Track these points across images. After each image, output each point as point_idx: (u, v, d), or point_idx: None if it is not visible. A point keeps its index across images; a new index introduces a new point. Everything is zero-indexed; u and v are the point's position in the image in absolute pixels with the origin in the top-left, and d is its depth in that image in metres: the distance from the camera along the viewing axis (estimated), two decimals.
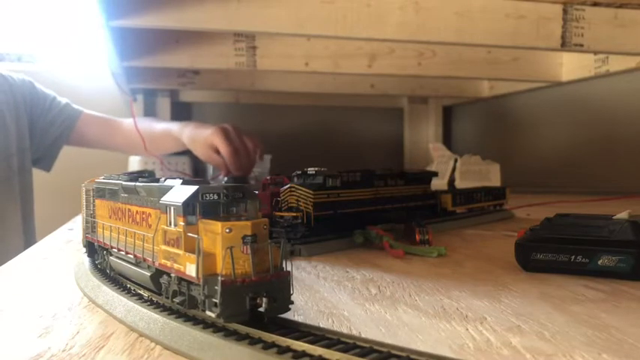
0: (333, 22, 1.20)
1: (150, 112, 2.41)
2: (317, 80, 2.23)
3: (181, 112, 2.55)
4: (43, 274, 0.74)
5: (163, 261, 0.48)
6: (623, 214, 0.70)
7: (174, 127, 1.67)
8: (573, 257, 0.69)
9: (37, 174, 1.73)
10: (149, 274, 0.51)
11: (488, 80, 2.37)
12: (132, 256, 0.54)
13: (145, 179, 0.56)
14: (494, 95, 2.45)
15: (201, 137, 1.53)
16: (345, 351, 0.38)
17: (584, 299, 0.59)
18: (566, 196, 1.74)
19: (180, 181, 0.50)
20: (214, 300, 0.42)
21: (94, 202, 0.68)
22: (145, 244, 0.52)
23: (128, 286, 0.58)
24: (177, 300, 0.47)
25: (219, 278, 0.41)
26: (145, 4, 1.17)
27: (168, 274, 0.48)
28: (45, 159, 1.72)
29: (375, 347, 0.39)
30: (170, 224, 0.47)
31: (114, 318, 0.52)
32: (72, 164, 1.83)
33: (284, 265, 0.44)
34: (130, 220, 0.57)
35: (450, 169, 1.84)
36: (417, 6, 1.21)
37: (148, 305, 0.51)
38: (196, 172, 2.13)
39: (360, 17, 1.21)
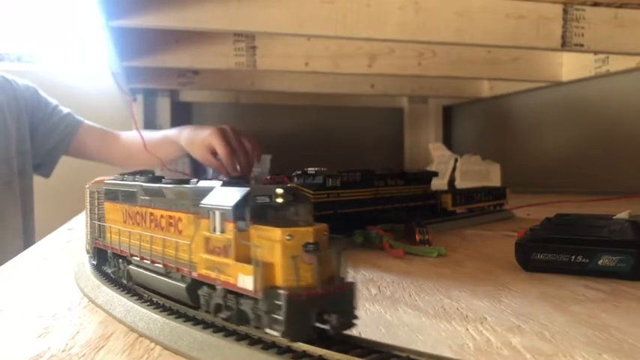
0: (333, 22, 1.20)
1: (150, 112, 2.41)
2: (317, 80, 2.23)
3: (181, 112, 2.55)
4: (43, 274, 0.74)
5: (205, 271, 0.44)
6: (623, 214, 0.70)
7: (171, 132, 1.68)
8: (573, 257, 0.68)
9: (37, 177, 1.73)
10: (184, 286, 0.47)
11: (489, 80, 2.37)
12: (160, 266, 0.50)
13: (169, 180, 0.52)
14: (494, 95, 2.45)
15: (199, 139, 1.52)
16: (345, 352, 0.38)
17: (585, 299, 0.59)
18: (566, 196, 1.74)
19: (220, 182, 0.45)
20: (277, 316, 0.37)
21: (100, 204, 0.63)
22: (178, 252, 0.47)
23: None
24: (223, 315, 0.43)
25: (284, 292, 0.37)
26: (144, 4, 1.17)
27: (211, 286, 0.44)
28: (44, 165, 1.73)
29: (376, 348, 0.39)
30: (214, 230, 0.43)
31: (114, 318, 0.52)
32: (71, 166, 1.83)
33: (343, 275, 0.40)
34: (153, 225, 0.52)
35: (450, 169, 1.84)
36: (417, 6, 1.21)
37: (148, 305, 0.51)
38: (196, 172, 2.13)
39: (360, 17, 1.21)
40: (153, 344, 0.46)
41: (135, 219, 0.55)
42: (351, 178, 0.96)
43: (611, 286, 0.64)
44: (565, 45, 1.24)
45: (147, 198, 0.53)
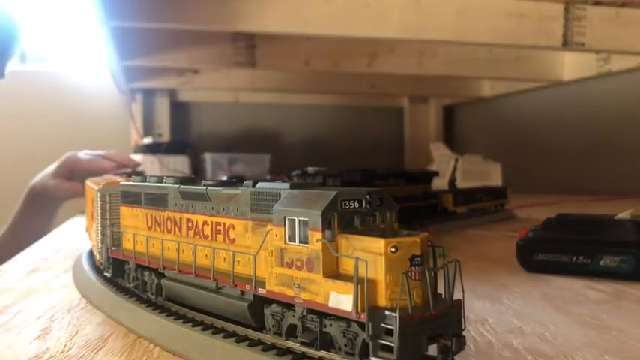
0: (333, 21, 1.20)
1: (148, 111, 2.40)
2: (317, 79, 2.23)
3: (180, 111, 2.54)
4: (42, 275, 0.73)
5: (277, 287, 0.38)
6: (625, 214, 0.70)
7: (20, 215, 1.45)
8: (575, 257, 0.68)
9: None
10: (245, 304, 0.42)
11: (490, 80, 2.36)
12: (208, 280, 0.44)
13: (212, 182, 0.47)
14: (495, 95, 2.44)
15: (50, 173, 1.43)
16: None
17: (586, 300, 0.58)
18: (567, 196, 1.74)
19: (287, 184, 0.40)
20: (386, 342, 0.32)
21: (114, 209, 0.58)
22: (236, 264, 0.42)
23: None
24: (302, 338, 0.38)
25: (395, 313, 0.31)
26: (144, 3, 1.17)
27: (284, 305, 0.39)
28: None
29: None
30: (292, 240, 0.37)
31: (112, 319, 0.52)
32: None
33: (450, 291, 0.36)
34: (192, 233, 0.47)
35: (450, 168, 1.84)
36: (418, 5, 1.20)
37: (147, 307, 0.51)
38: (195, 171, 2.13)
39: (361, 16, 1.20)
40: (152, 345, 0.45)
41: (165, 225, 0.50)
42: (351, 177, 0.95)
43: (613, 286, 0.64)
44: (566, 44, 1.24)
45: (183, 202, 0.48)
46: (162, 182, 0.51)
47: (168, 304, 0.48)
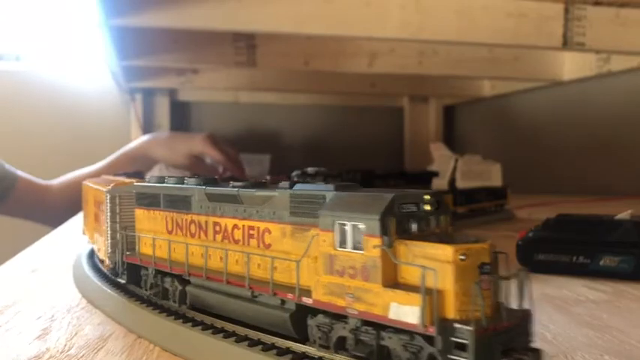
0: (334, 21, 1.20)
1: (148, 111, 2.40)
2: (317, 79, 2.23)
3: (180, 111, 2.54)
4: (42, 275, 0.73)
5: (326, 297, 0.36)
6: (624, 215, 0.70)
7: (128, 149, 1.60)
8: (575, 258, 0.68)
9: None
10: (287, 314, 0.39)
11: (490, 79, 2.36)
12: (242, 288, 0.42)
13: (243, 183, 0.44)
14: (495, 95, 2.44)
15: (184, 148, 1.54)
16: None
17: (586, 300, 0.58)
18: (567, 196, 1.74)
19: (331, 185, 0.38)
20: (457, 358, 0.30)
21: (126, 211, 0.56)
22: (274, 271, 0.39)
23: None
24: (355, 352, 0.35)
25: (469, 327, 0.29)
26: (144, 3, 1.17)
27: (333, 315, 0.36)
28: None
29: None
30: (344, 246, 0.35)
31: (112, 319, 0.52)
32: None
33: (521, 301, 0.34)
34: (220, 237, 0.44)
35: (450, 168, 1.84)
36: (418, 5, 1.20)
37: (147, 306, 0.51)
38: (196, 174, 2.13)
39: (361, 16, 1.20)
40: (152, 345, 0.45)
41: (188, 229, 0.47)
42: (351, 177, 0.95)
43: (613, 286, 0.63)
44: (566, 44, 1.24)
45: (210, 204, 0.45)
46: (183, 183, 0.49)
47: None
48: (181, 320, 0.47)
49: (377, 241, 0.33)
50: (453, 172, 1.84)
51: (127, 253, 0.54)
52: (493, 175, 1.83)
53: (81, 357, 0.43)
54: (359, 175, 0.98)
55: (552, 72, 1.90)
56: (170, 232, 0.49)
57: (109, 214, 0.56)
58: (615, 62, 1.69)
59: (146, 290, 0.53)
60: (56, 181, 1.62)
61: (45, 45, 2.47)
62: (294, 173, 0.94)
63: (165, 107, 2.45)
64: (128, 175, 0.75)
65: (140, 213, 0.53)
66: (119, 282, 0.58)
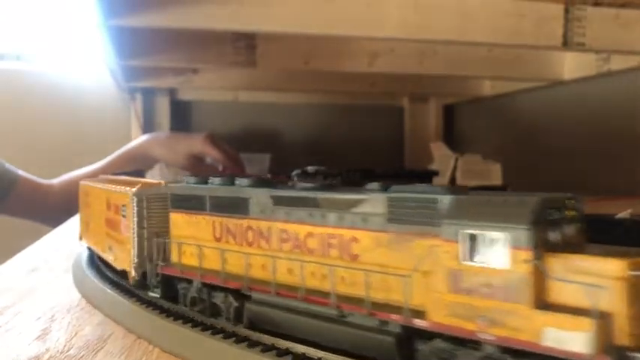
0: (334, 20, 1.20)
1: (148, 111, 2.40)
2: (317, 79, 2.23)
3: (180, 110, 2.54)
4: (42, 275, 0.73)
5: (450, 319, 0.31)
6: (625, 214, 0.70)
7: (129, 148, 1.60)
8: None
9: None
10: (392, 338, 0.34)
11: (490, 79, 2.36)
12: (329, 306, 0.36)
13: (320, 185, 0.40)
14: (495, 94, 2.44)
15: (184, 147, 1.53)
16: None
17: None
18: None
19: (440, 188, 0.33)
20: None
21: (155, 215, 0.51)
22: (369, 288, 0.34)
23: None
24: None
25: None
26: (143, 3, 1.17)
27: (458, 341, 0.31)
28: None
29: None
30: (473, 259, 0.30)
31: (112, 320, 0.52)
32: None
33: None
34: (290, 246, 0.39)
35: (450, 168, 1.84)
36: (417, 4, 1.20)
37: (146, 307, 0.51)
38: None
39: (361, 16, 1.20)
40: (151, 346, 0.45)
41: (244, 237, 0.42)
42: (351, 177, 0.95)
43: None
44: (566, 44, 1.24)
45: (275, 208, 0.40)
46: (233, 184, 0.44)
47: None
48: (181, 321, 0.46)
49: (525, 254, 0.28)
50: (453, 172, 1.84)
51: (162, 263, 0.49)
52: (493, 175, 1.83)
53: (80, 358, 0.43)
54: (359, 174, 0.98)
55: (552, 72, 1.91)
56: (218, 240, 0.44)
57: (135, 218, 0.51)
58: (615, 62, 1.69)
59: (186, 306, 0.47)
60: (56, 181, 1.61)
61: (45, 44, 2.47)
62: (295, 172, 0.94)
63: (165, 106, 2.44)
64: (128, 174, 0.75)
65: (178, 218, 0.48)
66: (119, 282, 0.57)
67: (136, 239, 0.51)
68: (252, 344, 0.41)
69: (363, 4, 1.20)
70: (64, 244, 0.97)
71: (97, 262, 0.68)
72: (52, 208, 1.52)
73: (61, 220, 1.24)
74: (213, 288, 0.45)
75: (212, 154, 1.51)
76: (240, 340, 0.42)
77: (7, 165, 1.52)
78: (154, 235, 0.50)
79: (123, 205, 0.53)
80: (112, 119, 2.36)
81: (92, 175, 1.22)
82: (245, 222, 0.42)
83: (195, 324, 0.45)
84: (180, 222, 0.48)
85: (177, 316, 0.47)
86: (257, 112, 2.68)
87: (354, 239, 0.36)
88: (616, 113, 1.96)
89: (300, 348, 0.39)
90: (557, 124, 2.26)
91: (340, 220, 0.37)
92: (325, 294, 0.36)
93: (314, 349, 0.38)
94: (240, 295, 0.43)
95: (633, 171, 1.89)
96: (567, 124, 2.20)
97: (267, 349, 0.40)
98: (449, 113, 2.94)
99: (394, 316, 0.33)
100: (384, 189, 0.36)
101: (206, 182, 0.47)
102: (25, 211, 1.54)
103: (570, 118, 2.17)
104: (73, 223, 1.25)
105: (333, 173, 0.91)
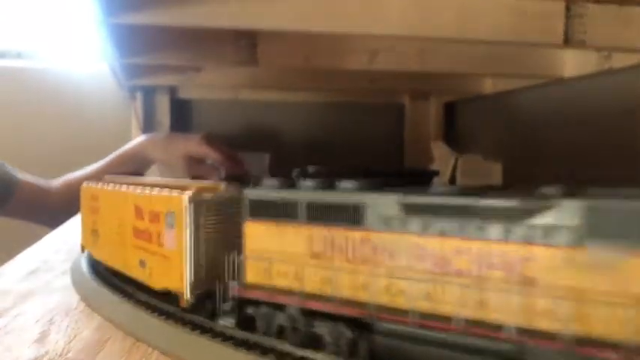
0: (335, 17, 1.19)
1: (149, 109, 2.40)
2: (317, 76, 2.22)
3: (181, 109, 2.54)
4: (41, 277, 0.73)
5: None
6: None
7: (126, 149, 1.60)
8: None
9: None
10: None
11: (491, 77, 2.36)
12: (504, 340, 0.29)
13: (471, 189, 0.32)
14: (496, 92, 2.44)
15: (181, 148, 1.53)
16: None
17: None
18: None
19: None
20: None
21: (219, 223, 0.44)
22: (562, 320, 0.28)
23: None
24: None
25: None
26: (144, 1, 1.16)
27: None
28: None
29: None
30: None
31: (111, 322, 0.52)
32: None
33: None
34: (429, 265, 0.32)
35: (450, 167, 1.84)
36: (418, 1, 1.20)
37: (146, 309, 0.50)
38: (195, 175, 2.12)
39: (361, 12, 1.20)
40: (150, 349, 0.45)
41: (357, 253, 0.35)
42: (351, 176, 0.95)
43: None
44: (567, 41, 1.23)
45: (408, 218, 0.33)
46: (340, 186, 0.38)
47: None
48: (180, 323, 0.46)
49: None
50: (453, 171, 1.84)
51: (237, 284, 0.41)
52: (494, 175, 1.83)
53: None
54: (358, 173, 0.97)
55: (553, 69, 1.90)
56: (318, 256, 0.37)
57: (190, 229, 0.43)
58: (616, 59, 1.68)
59: (270, 336, 0.40)
60: (56, 182, 1.61)
61: (46, 42, 2.47)
62: (295, 172, 0.94)
63: (165, 105, 2.44)
64: (128, 175, 0.74)
65: (257, 228, 0.40)
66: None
67: (191, 254, 0.43)
68: (251, 346, 0.41)
69: (364, 0, 1.20)
70: (64, 246, 0.97)
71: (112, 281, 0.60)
72: (53, 210, 1.51)
73: (60, 222, 1.24)
74: (313, 315, 0.37)
75: (209, 155, 1.50)
76: (238, 342, 0.42)
77: (8, 167, 1.51)
78: (218, 249, 0.43)
79: (169, 213, 0.46)
80: (112, 117, 2.36)
81: (90, 178, 1.21)
82: (359, 234, 0.35)
83: (194, 326, 0.45)
84: (260, 233, 0.40)
85: (176, 319, 0.47)
86: (257, 110, 2.68)
87: (529, 257, 0.29)
88: (617, 111, 1.96)
89: (299, 352, 0.39)
90: (558, 122, 2.26)
91: (507, 234, 0.30)
92: (489, 325, 0.29)
93: (314, 353, 0.38)
94: (354, 325, 0.35)
95: (635, 169, 1.89)
96: (568, 121, 2.20)
97: (265, 351, 0.40)
98: (450, 111, 2.94)
99: (614, 357, 0.26)
100: (570, 194, 0.29)
101: (294, 185, 0.40)
102: (25, 214, 1.54)
103: (571, 116, 2.16)
104: (73, 224, 1.25)
105: (332, 172, 0.91)
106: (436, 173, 1.20)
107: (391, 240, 0.34)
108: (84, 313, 0.55)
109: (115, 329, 0.50)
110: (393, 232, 0.33)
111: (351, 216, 0.35)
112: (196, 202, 0.44)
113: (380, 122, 2.86)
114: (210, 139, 1.52)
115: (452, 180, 1.79)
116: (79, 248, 0.75)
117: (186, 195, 0.44)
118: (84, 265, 0.68)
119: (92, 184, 0.66)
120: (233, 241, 0.43)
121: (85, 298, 0.59)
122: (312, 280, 0.37)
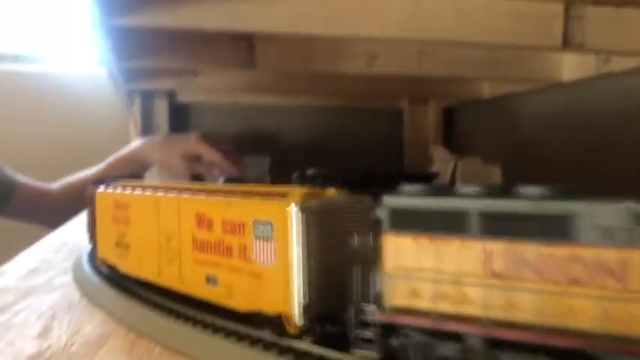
0: (333, 21, 1.20)
1: (147, 113, 2.40)
2: (316, 80, 2.23)
3: (179, 113, 2.54)
4: (42, 274, 0.73)
5: None
6: None
7: (124, 152, 1.60)
8: None
9: None
10: None
11: (489, 81, 2.37)
12: None
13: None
14: (495, 96, 2.44)
15: (178, 149, 1.53)
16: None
17: None
18: None
19: None
20: None
21: (322, 235, 0.38)
22: None
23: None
24: None
25: None
26: (141, 3, 1.17)
27: None
28: None
29: None
30: None
31: (113, 318, 0.52)
32: None
33: None
34: None
35: (450, 171, 1.84)
36: (417, 4, 1.20)
37: (148, 305, 0.50)
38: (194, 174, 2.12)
39: (360, 16, 1.20)
40: (153, 344, 0.45)
41: (562, 272, 0.28)
42: (349, 179, 0.95)
43: None
44: (566, 45, 1.24)
45: None
46: (523, 193, 0.32)
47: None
48: (182, 319, 0.46)
49: None
50: (452, 174, 1.84)
51: (378, 308, 0.34)
52: (493, 177, 1.83)
53: (82, 355, 0.43)
54: (358, 176, 0.98)
55: (552, 73, 1.91)
56: (498, 276, 0.30)
57: (297, 241, 0.37)
58: (615, 63, 1.69)
59: None
60: (56, 185, 1.61)
61: (43, 46, 2.47)
62: (294, 175, 0.94)
63: (164, 109, 2.44)
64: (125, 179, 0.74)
65: (399, 242, 0.34)
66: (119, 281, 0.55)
67: (302, 271, 0.37)
68: (254, 342, 0.41)
69: (362, 3, 1.20)
70: (65, 244, 0.97)
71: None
72: (52, 212, 1.51)
73: (60, 224, 1.24)
74: (497, 346, 0.31)
75: (207, 153, 1.50)
76: (241, 337, 0.42)
77: (8, 171, 1.51)
78: (330, 265, 0.38)
79: (261, 222, 0.40)
80: (110, 121, 2.36)
81: (89, 181, 1.20)
82: (565, 250, 0.29)
83: (196, 322, 0.45)
84: (405, 248, 0.34)
85: (178, 315, 0.47)
86: (256, 114, 2.68)
87: None
88: (617, 115, 1.96)
89: (302, 345, 0.39)
90: (557, 126, 2.27)
91: None
92: None
93: (317, 347, 0.38)
94: (557, 357, 0.29)
95: (634, 173, 1.89)
96: (567, 125, 2.20)
97: (268, 346, 0.40)
98: (448, 115, 2.94)
99: None
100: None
101: (450, 192, 0.33)
102: (24, 215, 1.54)
103: (570, 120, 2.17)
104: (74, 225, 1.25)
105: (331, 175, 0.91)
106: (436, 176, 1.21)
107: (617, 258, 0.28)
108: (86, 308, 0.55)
109: (118, 324, 0.50)
110: (619, 249, 0.28)
111: (552, 229, 0.29)
112: (305, 211, 0.37)
113: (379, 126, 2.87)
114: (207, 137, 1.51)
115: (452, 183, 1.79)
116: (80, 248, 0.75)
117: (293, 203, 0.38)
118: (85, 263, 0.68)
119: (116, 190, 0.58)
120: (347, 256, 0.37)
121: (87, 294, 0.59)
122: (497, 305, 0.30)
